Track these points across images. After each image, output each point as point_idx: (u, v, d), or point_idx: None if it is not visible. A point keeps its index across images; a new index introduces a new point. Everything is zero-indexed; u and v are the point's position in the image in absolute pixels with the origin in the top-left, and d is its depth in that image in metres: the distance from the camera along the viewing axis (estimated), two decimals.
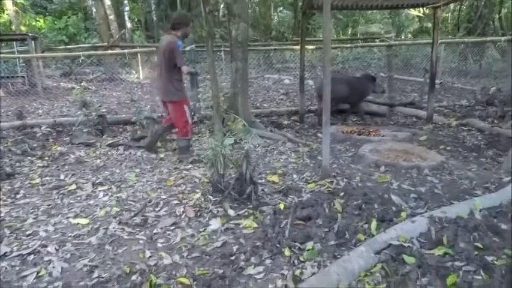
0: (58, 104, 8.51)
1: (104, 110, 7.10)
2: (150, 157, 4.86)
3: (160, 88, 4.66)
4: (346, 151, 4.95)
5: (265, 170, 4.26)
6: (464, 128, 6.13)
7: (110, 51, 11.22)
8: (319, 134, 5.79)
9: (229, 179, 3.54)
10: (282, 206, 3.27)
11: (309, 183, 3.84)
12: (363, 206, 3.23)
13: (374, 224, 2.94)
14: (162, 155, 4.93)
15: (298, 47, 7.39)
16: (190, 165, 4.51)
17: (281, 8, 25.96)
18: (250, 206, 3.29)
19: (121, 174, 4.25)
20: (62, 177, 4.22)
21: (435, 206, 3.28)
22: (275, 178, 3.98)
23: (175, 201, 3.49)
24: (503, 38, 10.19)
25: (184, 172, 4.27)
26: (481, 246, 2.62)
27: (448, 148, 5.02)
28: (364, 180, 3.87)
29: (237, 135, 5.09)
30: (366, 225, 2.93)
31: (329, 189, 3.63)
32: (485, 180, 3.85)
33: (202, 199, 3.47)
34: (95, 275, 2.44)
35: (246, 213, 3.21)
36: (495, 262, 2.44)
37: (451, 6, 15.67)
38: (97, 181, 4.02)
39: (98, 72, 12.87)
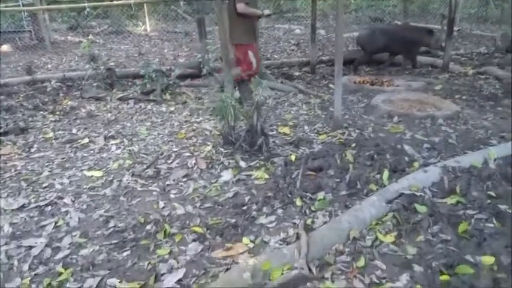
0: (66, 58, 8.42)
1: (112, 64, 7.01)
2: (160, 110, 4.85)
3: (228, 30, 4.63)
4: (359, 102, 4.86)
5: (276, 122, 4.22)
6: (481, 76, 5.93)
7: (115, 2, 10.91)
8: (330, 85, 5.66)
9: (239, 131, 3.52)
10: (293, 157, 3.26)
11: (320, 134, 3.81)
12: (375, 156, 3.21)
13: (386, 174, 2.92)
14: (172, 108, 4.91)
15: None
16: (200, 118, 4.49)
17: None
18: (262, 158, 3.29)
19: (132, 128, 4.27)
20: (74, 131, 4.25)
21: (449, 155, 3.24)
22: (286, 130, 3.95)
23: (187, 154, 3.51)
24: None
25: (195, 125, 4.26)
26: (494, 195, 2.61)
27: (464, 97, 4.89)
28: (377, 130, 3.82)
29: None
30: (378, 176, 2.92)
31: (341, 140, 3.60)
32: (501, 129, 3.78)
33: (214, 151, 3.48)
34: (111, 224, 2.51)
35: (257, 165, 3.22)
36: (508, 210, 2.43)
37: None
38: (109, 135, 4.04)
39: (104, 25, 12.61)
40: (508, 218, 2.35)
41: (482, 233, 2.23)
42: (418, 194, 2.61)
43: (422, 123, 3.96)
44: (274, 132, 3.91)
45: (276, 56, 8.34)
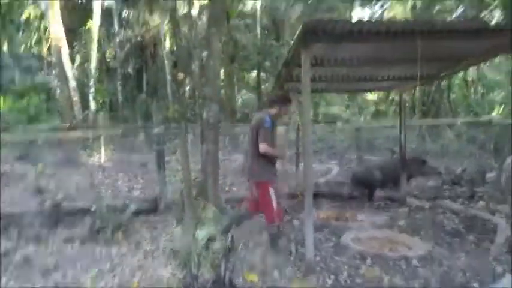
0: (9, 191, 7.79)
1: (60, 196, 6.50)
2: (110, 253, 4.32)
3: (247, 167, 4.45)
4: (327, 240, 4.62)
5: (241, 266, 3.82)
6: (438, 210, 6.03)
7: (71, 134, 10.82)
8: (294, 221, 5.47)
9: (204, 281, 3.09)
10: None
11: (293, 282, 3.44)
12: None
13: None
14: (124, 250, 4.40)
15: None
16: (156, 262, 4.00)
17: (244, 91, 27.02)
18: None
19: (75, 277, 3.67)
20: (3, 281, 3.58)
21: None
22: (254, 277, 3.55)
23: None
24: (459, 121, 10.80)
25: (151, 271, 3.75)
26: None
27: (430, 233, 4.81)
28: (352, 275, 3.54)
29: (207, 224, 4.74)
30: None
31: None
32: (478, 270, 3.62)
33: None
34: None
35: None
36: None
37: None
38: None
39: (56, 154, 12.26)
40: None
41: None
42: None
43: (397, 265, 3.74)
44: (241, 281, 3.49)
45: (234, 189, 8.23)
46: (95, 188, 7.76)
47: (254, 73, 24.97)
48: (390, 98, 22.37)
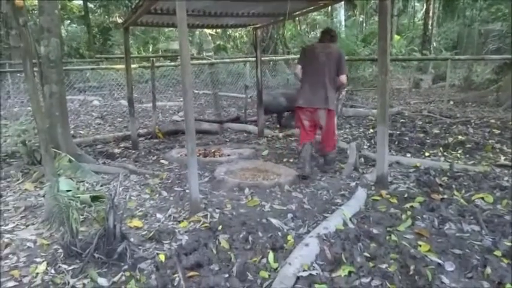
0: None
1: None
2: None
3: (318, 94, 4.46)
4: (201, 176, 4.61)
5: (120, 214, 3.54)
6: (291, 138, 6.62)
7: None
8: (162, 161, 5.28)
9: (86, 237, 2.76)
10: (162, 258, 2.73)
11: (180, 221, 3.37)
12: (249, 237, 3.01)
13: (271, 256, 2.75)
14: None
15: (120, 66, 6.69)
16: (11, 224, 3.38)
17: (69, 22, 23.73)
18: (125, 267, 2.62)
19: None
20: None
21: (312, 222, 3.32)
22: (137, 222, 3.35)
23: (10, 284, 2.50)
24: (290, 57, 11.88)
25: (7, 236, 3.16)
26: (369, 255, 2.75)
27: (291, 160, 5.25)
28: (236, 207, 3.66)
29: (64, 174, 4.22)
30: (264, 260, 2.72)
31: (206, 224, 3.26)
32: (337, 187, 4.17)
33: (53, 271, 2.60)
34: None
35: (123, 278, 2.53)
36: (389, 269, 2.57)
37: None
38: None
39: None
40: (395, 277, 2.48)
41: None
42: (314, 273, 2.52)
43: (273, 192, 4.02)
44: (124, 228, 3.25)
45: (82, 132, 7.42)
46: None
47: (78, 1, 22.04)
48: (228, 33, 22.84)
